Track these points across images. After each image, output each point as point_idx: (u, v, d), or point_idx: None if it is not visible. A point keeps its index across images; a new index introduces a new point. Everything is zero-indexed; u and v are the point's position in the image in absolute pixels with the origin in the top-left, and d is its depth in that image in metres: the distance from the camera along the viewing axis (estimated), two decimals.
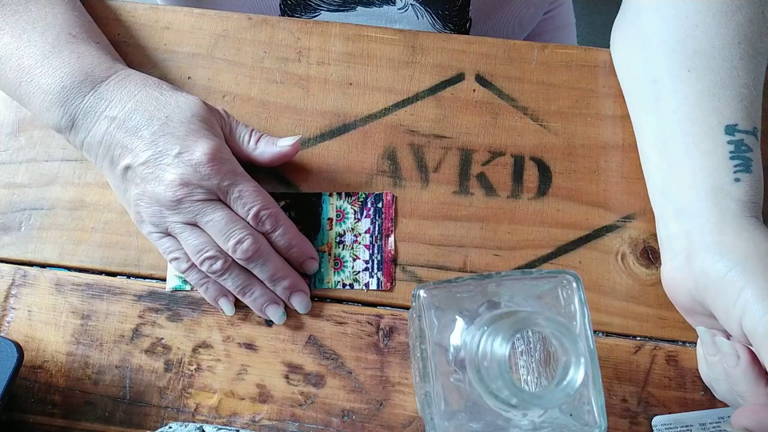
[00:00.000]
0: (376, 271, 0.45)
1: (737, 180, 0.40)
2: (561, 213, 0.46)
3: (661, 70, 0.44)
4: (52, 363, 0.44)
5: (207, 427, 0.40)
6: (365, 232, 0.46)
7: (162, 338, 0.45)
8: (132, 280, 0.46)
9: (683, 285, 0.40)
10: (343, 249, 0.46)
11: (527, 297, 0.34)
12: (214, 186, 0.41)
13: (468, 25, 0.58)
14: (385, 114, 0.48)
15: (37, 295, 0.45)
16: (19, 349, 0.40)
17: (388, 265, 0.45)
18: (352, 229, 0.46)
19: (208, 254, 0.42)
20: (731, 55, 0.42)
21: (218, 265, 0.42)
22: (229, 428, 0.40)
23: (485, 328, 0.31)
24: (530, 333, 0.33)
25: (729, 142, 0.41)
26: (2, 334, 0.43)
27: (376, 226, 0.46)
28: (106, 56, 0.45)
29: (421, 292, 0.34)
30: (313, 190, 0.47)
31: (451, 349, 0.33)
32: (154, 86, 0.44)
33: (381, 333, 0.44)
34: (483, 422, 0.32)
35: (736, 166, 0.40)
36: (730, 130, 0.41)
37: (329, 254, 0.46)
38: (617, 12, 0.50)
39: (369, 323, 0.45)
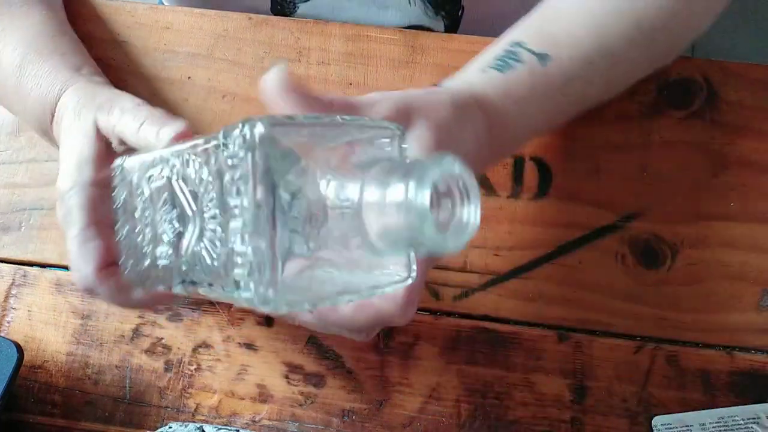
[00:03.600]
0: None
1: (483, 71, 0.40)
2: (561, 213, 0.46)
3: None
4: (52, 363, 0.44)
5: (207, 427, 0.40)
6: None
7: (162, 338, 0.45)
8: None
9: None
10: None
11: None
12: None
13: (460, 12, 0.58)
14: None
15: (37, 295, 0.45)
16: (19, 349, 0.40)
17: None
18: None
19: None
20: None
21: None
22: (229, 428, 0.41)
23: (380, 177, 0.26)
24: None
25: (504, 50, 0.40)
26: (2, 334, 0.43)
27: None
28: (62, 71, 0.44)
29: (260, 128, 0.26)
30: None
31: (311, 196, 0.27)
32: (73, 115, 0.41)
33: (381, 333, 0.44)
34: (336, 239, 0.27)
35: (491, 64, 0.40)
36: (513, 43, 0.41)
37: None
38: None
39: None
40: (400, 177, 0.25)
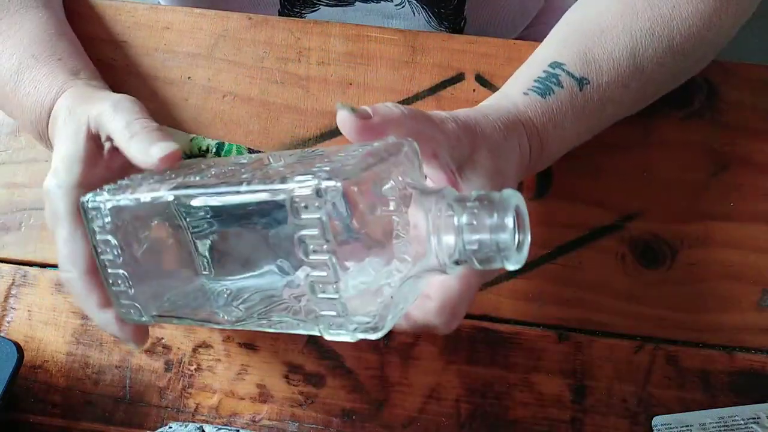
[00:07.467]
0: None
1: (525, 94, 0.41)
2: (561, 213, 0.46)
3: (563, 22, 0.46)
4: (52, 363, 0.44)
5: (207, 427, 0.40)
6: None
7: (162, 338, 0.45)
8: None
9: None
10: None
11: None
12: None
13: (463, 23, 0.58)
14: None
15: (37, 295, 0.46)
16: (19, 349, 0.40)
17: None
18: None
19: None
20: (609, 17, 0.42)
21: None
22: (229, 428, 0.41)
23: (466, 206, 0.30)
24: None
25: (544, 71, 0.42)
26: (2, 334, 0.43)
27: None
28: (59, 75, 0.43)
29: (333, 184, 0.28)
30: None
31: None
32: (65, 120, 0.41)
33: None
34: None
35: (532, 86, 0.41)
36: (554, 65, 0.42)
37: None
38: None
39: None
40: (484, 207, 0.29)
